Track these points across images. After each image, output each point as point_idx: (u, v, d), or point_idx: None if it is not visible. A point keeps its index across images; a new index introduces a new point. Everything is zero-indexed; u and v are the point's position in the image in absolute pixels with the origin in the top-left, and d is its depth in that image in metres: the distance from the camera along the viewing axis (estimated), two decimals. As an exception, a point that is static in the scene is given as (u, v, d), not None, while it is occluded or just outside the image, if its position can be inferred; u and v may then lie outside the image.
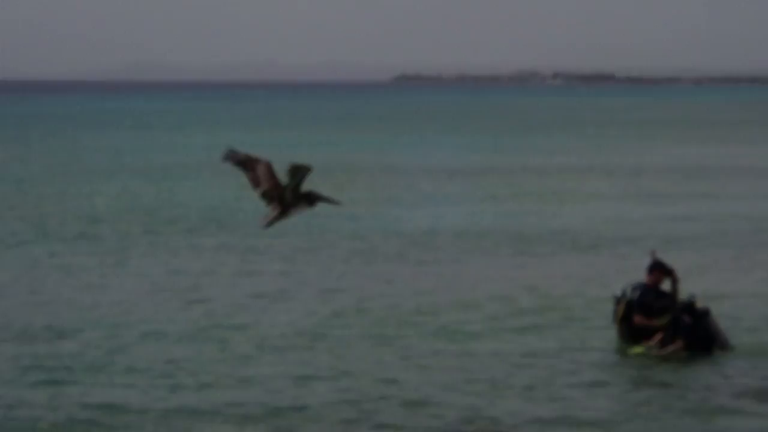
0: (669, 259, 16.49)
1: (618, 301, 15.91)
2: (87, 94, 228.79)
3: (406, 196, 37.86)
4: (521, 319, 18.16)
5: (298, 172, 10.13)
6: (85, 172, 46.36)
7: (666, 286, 15.88)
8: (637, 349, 15.66)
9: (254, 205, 11.80)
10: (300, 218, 11.33)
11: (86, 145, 65.44)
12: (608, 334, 16.37)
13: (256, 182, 10.22)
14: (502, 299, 19.65)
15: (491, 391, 14.06)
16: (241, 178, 10.38)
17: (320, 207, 10.56)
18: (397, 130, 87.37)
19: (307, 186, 10.13)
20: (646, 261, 16.20)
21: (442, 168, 49.47)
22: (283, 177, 10.15)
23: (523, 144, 69.47)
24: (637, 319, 15.68)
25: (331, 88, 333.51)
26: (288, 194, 10.16)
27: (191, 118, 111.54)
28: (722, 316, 16.49)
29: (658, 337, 15.59)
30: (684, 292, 15.97)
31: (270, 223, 10.39)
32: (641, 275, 16.09)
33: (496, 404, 13.55)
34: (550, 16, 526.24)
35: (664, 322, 15.62)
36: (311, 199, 10.30)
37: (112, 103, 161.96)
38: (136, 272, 22.47)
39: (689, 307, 15.65)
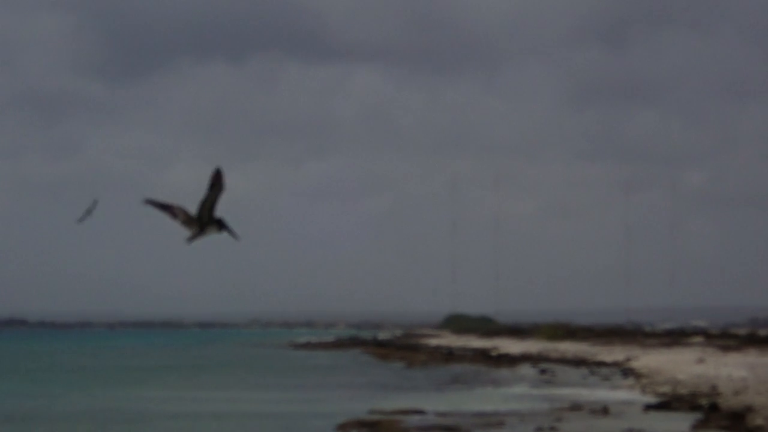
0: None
1: None
2: None
3: None
4: None
5: (209, 199, 12.90)
6: None
7: None
8: None
9: None
10: None
11: None
12: None
13: (174, 216, 13.04)
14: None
15: None
16: None
17: None
18: None
19: None
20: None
21: None
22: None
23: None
24: None
25: None
26: (205, 214, 12.86)
27: None
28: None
29: None
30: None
31: (192, 239, 13.01)
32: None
33: None
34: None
35: None
36: (221, 224, 13.05)
37: None
38: None
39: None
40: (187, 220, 13.14)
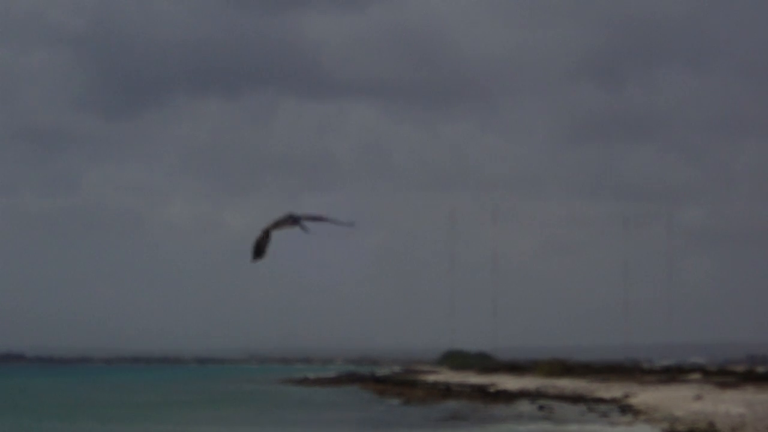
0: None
1: None
2: None
3: None
4: None
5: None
6: None
7: None
8: None
9: None
10: None
11: None
12: None
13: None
14: None
15: None
16: None
17: None
18: None
19: None
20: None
21: None
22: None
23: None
24: None
25: None
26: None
27: None
28: None
29: None
30: None
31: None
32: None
33: None
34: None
35: None
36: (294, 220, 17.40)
37: None
38: None
39: None
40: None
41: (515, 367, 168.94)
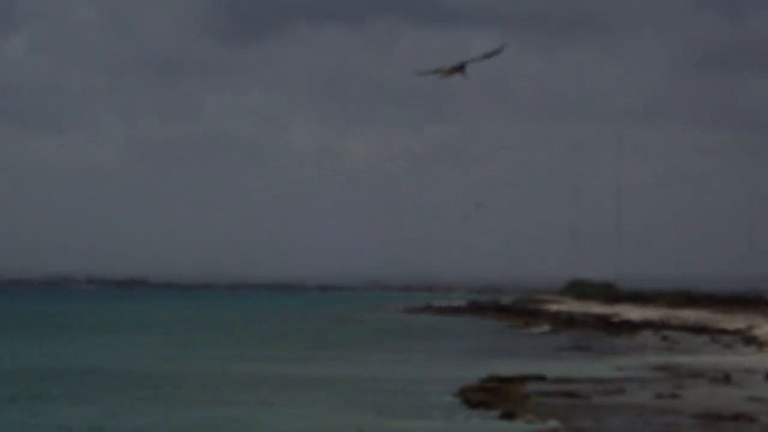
0: None
1: None
2: None
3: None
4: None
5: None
6: None
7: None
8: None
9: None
10: None
11: None
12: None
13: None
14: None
15: None
16: None
17: None
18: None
19: None
20: None
21: None
22: None
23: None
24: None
25: None
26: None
27: None
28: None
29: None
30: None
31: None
32: None
33: None
34: (84, 222, 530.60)
35: None
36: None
37: None
38: None
39: None
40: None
41: (638, 298, 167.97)
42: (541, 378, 48.36)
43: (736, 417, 34.52)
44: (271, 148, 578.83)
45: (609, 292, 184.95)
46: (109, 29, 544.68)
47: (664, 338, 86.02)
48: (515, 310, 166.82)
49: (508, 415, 36.27)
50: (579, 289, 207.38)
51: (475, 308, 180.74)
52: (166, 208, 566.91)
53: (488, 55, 18.58)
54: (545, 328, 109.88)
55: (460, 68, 18.95)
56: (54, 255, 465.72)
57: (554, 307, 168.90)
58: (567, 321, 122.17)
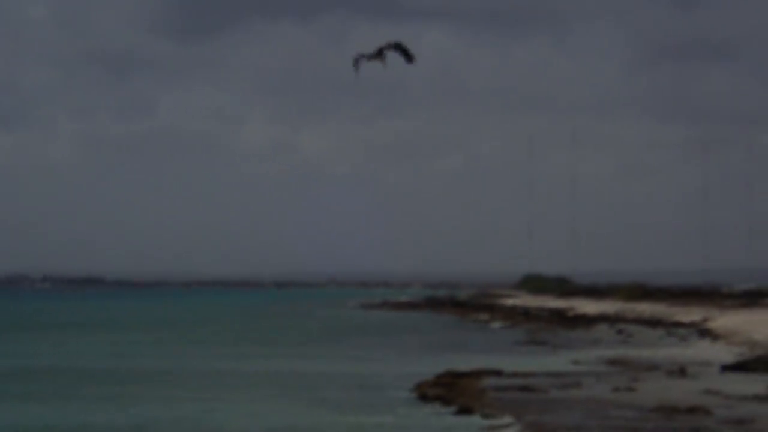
0: None
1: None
2: None
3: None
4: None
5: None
6: None
7: None
8: None
9: None
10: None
11: None
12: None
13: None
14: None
15: None
16: None
17: None
18: None
19: None
20: None
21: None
22: None
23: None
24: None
25: None
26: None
27: None
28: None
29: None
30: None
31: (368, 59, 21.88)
32: None
33: None
34: (38, 221, 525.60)
35: None
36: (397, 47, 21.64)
37: None
38: None
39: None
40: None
41: (594, 291, 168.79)
42: (497, 372, 48.23)
43: (692, 410, 34.49)
44: (225, 143, 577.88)
45: (564, 286, 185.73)
46: (61, 26, 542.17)
47: (620, 332, 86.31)
48: (471, 304, 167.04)
49: (465, 410, 36.08)
50: (534, 284, 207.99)
51: (432, 303, 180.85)
52: (121, 206, 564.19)
53: (400, 48, 20.29)
54: (501, 322, 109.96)
55: (380, 54, 19.83)
56: (8, 253, 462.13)
57: (510, 302, 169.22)
58: (522, 315, 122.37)
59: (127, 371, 52.57)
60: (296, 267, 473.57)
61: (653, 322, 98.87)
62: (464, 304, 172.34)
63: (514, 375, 47.06)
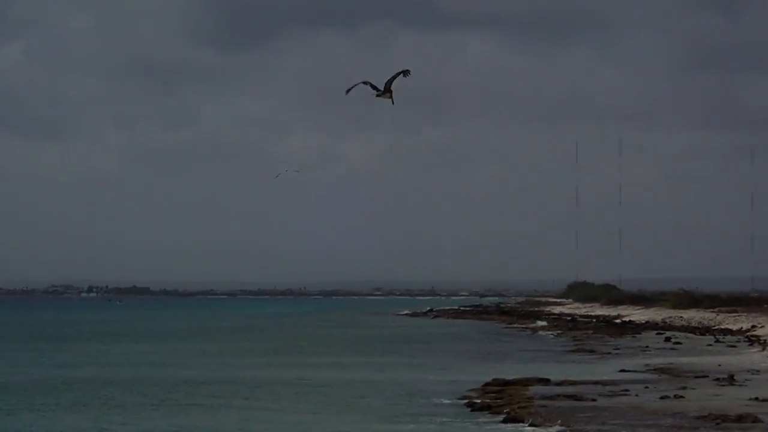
0: None
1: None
2: None
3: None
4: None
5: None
6: None
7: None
8: None
9: None
10: None
11: None
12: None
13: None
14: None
15: None
16: None
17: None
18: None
19: None
20: None
21: None
22: None
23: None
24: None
25: None
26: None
27: None
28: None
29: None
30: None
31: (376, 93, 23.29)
32: None
33: None
34: (84, 230, 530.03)
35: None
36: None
37: None
38: None
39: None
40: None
41: (641, 299, 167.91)
42: (545, 381, 48.16)
43: (741, 418, 34.31)
44: (269, 153, 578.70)
45: (611, 294, 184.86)
46: (105, 36, 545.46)
47: (667, 339, 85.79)
48: (518, 312, 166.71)
49: (513, 419, 36.08)
50: (581, 291, 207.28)
51: (479, 311, 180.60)
52: (166, 216, 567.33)
53: (402, 73, 21.64)
54: (548, 330, 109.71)
55: (387, 91, 21.31)
56: (54, 264, 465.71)
57: (557, 310, 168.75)
58: (570, 323, 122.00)
59: (172, 380, 52.84)
60: (341, 276, 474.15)
61: (701, 330, 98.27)
62: (511, 311, 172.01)
63: (562, 383, 46.98)
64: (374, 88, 22.70)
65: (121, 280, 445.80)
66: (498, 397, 42.13)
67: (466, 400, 42.00)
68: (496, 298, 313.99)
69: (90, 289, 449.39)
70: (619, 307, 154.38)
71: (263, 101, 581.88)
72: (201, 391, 47.79)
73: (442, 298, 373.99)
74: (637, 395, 41.93)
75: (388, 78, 22.00)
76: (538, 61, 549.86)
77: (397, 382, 51.17)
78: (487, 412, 38.72)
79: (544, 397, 41.20)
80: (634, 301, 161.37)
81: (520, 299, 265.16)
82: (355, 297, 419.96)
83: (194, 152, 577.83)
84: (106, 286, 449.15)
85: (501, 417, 36.86)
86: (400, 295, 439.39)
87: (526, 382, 47.30)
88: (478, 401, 41.31)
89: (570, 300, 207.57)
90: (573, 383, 46.83)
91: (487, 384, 47.36)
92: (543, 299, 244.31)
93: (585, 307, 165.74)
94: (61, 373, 57.47)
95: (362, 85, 22.70)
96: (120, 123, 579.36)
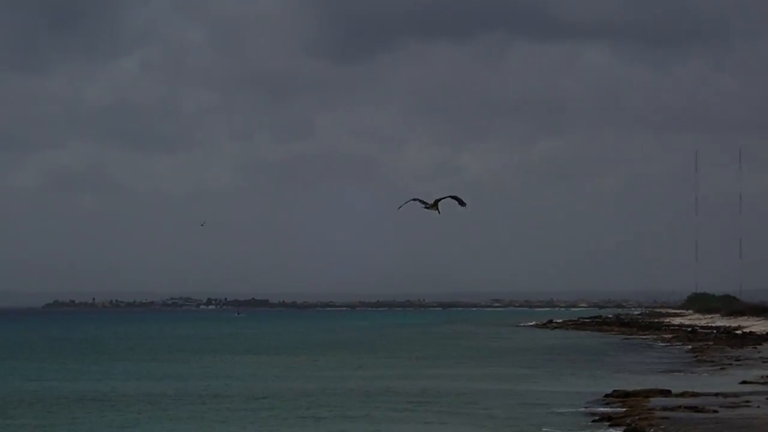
0: None
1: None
2: None
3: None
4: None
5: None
6: None
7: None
8: None
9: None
10: None
11: None
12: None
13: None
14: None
15: None
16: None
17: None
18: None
19: None
20: None
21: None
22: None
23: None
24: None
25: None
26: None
27: None
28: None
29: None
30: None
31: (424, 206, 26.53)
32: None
33: None
34: (200, 243, 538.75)
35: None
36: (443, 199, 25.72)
37: None
38: None
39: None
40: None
41: (762, 310, 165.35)
42: (665, 392, 48.46)
43: None
44: (385, 164, 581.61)
45: (731, 305, 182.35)
46: (219, 49, 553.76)
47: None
48: (638, 324, 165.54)
49: (634, 430, 36.61)
50: (701, 303, 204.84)
51: (598, 322, 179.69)
52: (282, 228, 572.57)
53: (457, 201, 24.97)
54: (668, 342, 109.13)
55: (435, 205, 25.01)
56: (173, 276, 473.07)
57: (677, 321, 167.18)
58: (690, 334, 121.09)
59: (293, 392, 54.08)
60: (459, 288, 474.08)
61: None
62: (631, 323, 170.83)
63: (683, 394, 47.23)
64: (423, 203, 26.18)
65: (239, 292, 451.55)
66: (619, 409, 42.67)
67: (589, 411, 42.61)
68: (616, 310, 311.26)
69: (209, 302, 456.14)
70: (740, 318, 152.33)
71: (378, 112, 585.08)
72: (322, 402, 48.98)
73: (561, 309, 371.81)
74: (758, 407, 42.04)
75: (440, 197, 25.46)
76: (652, 70, 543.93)
77: (519, 393, 51.90)
78: (608, 423, 39.30)
79: (665, 409, 41.57)
80: (755, 312, 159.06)
81: (639, 310, 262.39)
82: (474, 308, 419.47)
83: (309, 164, 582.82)
84: (225, 298, 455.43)
85: (622, 428, 37.40)
86: (519, 306, 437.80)
87: (647, 394, 47.65)
88: (599, 412, 41.92)
89: (690, 311, 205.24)
90: (694, 395, 47.04)
91: (607, 395, 47.89)
92: (663, 310, 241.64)
93: (705, 318, 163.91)
94: (186, 386, 59.29)
95: (412, 201, 26.16)
96: (235, 135, 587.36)
